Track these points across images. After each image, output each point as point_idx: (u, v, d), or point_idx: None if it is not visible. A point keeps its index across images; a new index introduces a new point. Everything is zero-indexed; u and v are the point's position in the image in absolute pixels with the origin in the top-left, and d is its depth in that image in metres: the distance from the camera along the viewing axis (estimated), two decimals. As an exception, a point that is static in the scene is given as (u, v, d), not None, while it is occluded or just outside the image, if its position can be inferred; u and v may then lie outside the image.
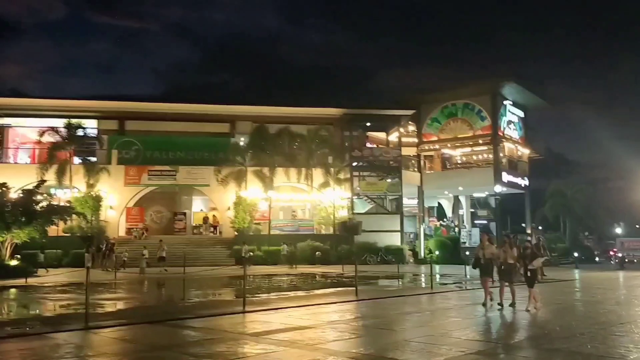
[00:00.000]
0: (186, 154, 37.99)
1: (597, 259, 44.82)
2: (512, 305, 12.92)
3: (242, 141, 38.44)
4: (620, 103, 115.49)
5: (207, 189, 37.60)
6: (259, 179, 35.94)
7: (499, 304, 12.87)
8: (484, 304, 13.15)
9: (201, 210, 40.93)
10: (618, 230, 58.59)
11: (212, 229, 38.74)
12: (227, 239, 35.57)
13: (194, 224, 39.78)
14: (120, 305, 15.56)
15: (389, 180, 40.35)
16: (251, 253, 32.09)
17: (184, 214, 39.92)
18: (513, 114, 44.19)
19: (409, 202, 43.30)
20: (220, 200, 37.26)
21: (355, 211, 38.80)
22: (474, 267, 14.02)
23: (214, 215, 38.99)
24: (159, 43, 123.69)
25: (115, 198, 35.96)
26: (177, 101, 40.68)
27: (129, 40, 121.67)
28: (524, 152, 46.03)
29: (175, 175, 36.98)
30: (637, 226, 59.16)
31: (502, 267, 13.28)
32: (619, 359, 7.42)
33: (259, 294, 16.86)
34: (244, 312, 12.12)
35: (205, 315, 11.90)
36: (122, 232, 36.15)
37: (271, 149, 36.32)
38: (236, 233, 35.28)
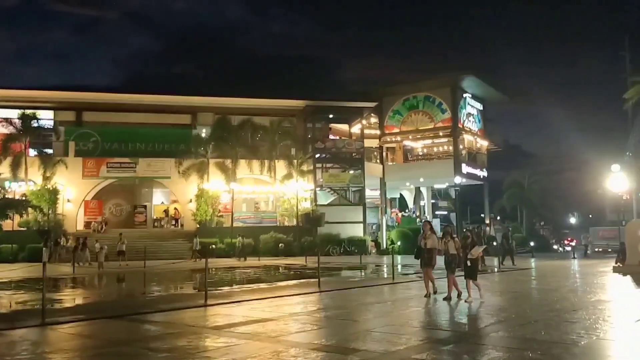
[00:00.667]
0: (146, 146, 37.39)
1: (563, 248, 46.11)
2: (448, 298, 12.50)
3: (203, 133, 38.08)
4: (576, 97, 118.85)
5: (168, 181, 37.13)
6: (221, 171, 35.71)
7: (457, 296, 12.79)
8: (427, 296, 12.95)
9: (162, 202, 40.36)
10: (572, 220, 60.51)
11: (173, 222, 38.32)
12: (189, 232, 35.23)
13: (154, 217, 39.25)
14: (78, 300, 15.23)
15: (351, 172, 40.62)
16: (214, 246, 31.92)
17: (145, 206, 39.35)
18: (472, 106, 45.03)
19: (372, 193, 43.73)
20: (182, 192, 36.85)
21: (318, 203, 38.94)
22: (416, 257, 13.54)
23: (175, 208, 38.55)
24: (118, 32, 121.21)
25: (72, 191, 35.19)
26: (137, 92, 39.94)
27: (86, 28, 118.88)
28: (483, 144, 46.99)
29: (135, 167, 36.38)
30: (590, 216, 61.14)
31: (445, 258, 12.89)
32: (571, 345, 7.67)
33: (221, 287, 16.77)
34: (205, 305, 12.03)
35: (166, 309, 11.75)
36: (80, 226, 35.41)
37: (233, 141, 36.12)
38: (198, 226, 35.00)
